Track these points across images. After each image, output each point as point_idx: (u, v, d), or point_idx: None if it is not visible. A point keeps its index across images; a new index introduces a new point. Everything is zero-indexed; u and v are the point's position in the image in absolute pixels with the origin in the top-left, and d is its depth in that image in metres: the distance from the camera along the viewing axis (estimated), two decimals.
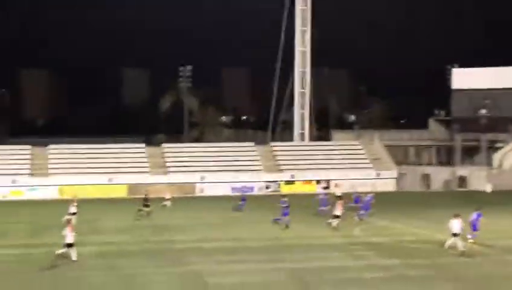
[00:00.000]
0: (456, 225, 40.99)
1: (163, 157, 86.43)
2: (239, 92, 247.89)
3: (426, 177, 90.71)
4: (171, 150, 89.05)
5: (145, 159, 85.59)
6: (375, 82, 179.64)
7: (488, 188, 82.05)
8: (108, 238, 48.21)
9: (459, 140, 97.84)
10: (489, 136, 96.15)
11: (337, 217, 50.88)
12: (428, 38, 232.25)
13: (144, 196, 60.65)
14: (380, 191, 63.48)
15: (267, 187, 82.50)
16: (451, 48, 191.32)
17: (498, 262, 39.33)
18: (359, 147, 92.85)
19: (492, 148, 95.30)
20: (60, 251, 38.70)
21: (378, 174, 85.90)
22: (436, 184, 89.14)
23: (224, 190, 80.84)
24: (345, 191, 67.86)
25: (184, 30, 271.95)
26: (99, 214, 58.77)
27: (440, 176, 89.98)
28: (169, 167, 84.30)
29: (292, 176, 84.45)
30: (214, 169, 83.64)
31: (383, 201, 57.72)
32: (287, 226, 51.99)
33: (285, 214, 52.75)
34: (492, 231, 46.00)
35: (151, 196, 63.43)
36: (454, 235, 41.02)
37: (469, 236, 43.82)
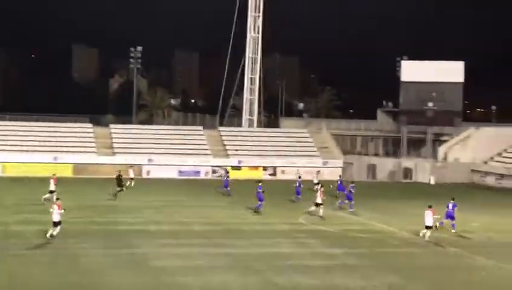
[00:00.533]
0: (428, 216, 41.83)
1: (110, 138, 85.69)
2: (189, 76, 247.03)
3: (372, 168, 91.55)
4: (119, 131, 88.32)
5: (92, 139, 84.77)
6: (325, 71, 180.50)
7: (432, 180, 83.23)
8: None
9: (405, 132, 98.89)
10: (435, 129, 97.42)
11: (318, 205, 50.54)
12: (381, 29, 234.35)
13: (116, 176, 59.43)
14: (327, 180, 63.70)
15: (213, 172, 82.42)
16: (402, 40, 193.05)
17: (440, 253, 39.91)
18: (307, 135, 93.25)
19: (438, 141, 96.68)
20: (51, 231, 38.86)
21: (325, 163, 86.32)
22: (382, 175, 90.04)
23: (170, 173, 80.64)
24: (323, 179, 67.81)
25: (137, 11, 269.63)
26: (43, 193, 57.90)
27: (386, 166, 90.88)
28: (116, 148, 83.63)
29: (239, 162, 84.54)
30: (161, 152, 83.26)
31: (329, 190, 58.03)
32: (256, 211, 52.02)
33: (260, 199, 52.38)
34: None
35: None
36: (428, 227, 41.91)
37: (438, 224, 44.87)
